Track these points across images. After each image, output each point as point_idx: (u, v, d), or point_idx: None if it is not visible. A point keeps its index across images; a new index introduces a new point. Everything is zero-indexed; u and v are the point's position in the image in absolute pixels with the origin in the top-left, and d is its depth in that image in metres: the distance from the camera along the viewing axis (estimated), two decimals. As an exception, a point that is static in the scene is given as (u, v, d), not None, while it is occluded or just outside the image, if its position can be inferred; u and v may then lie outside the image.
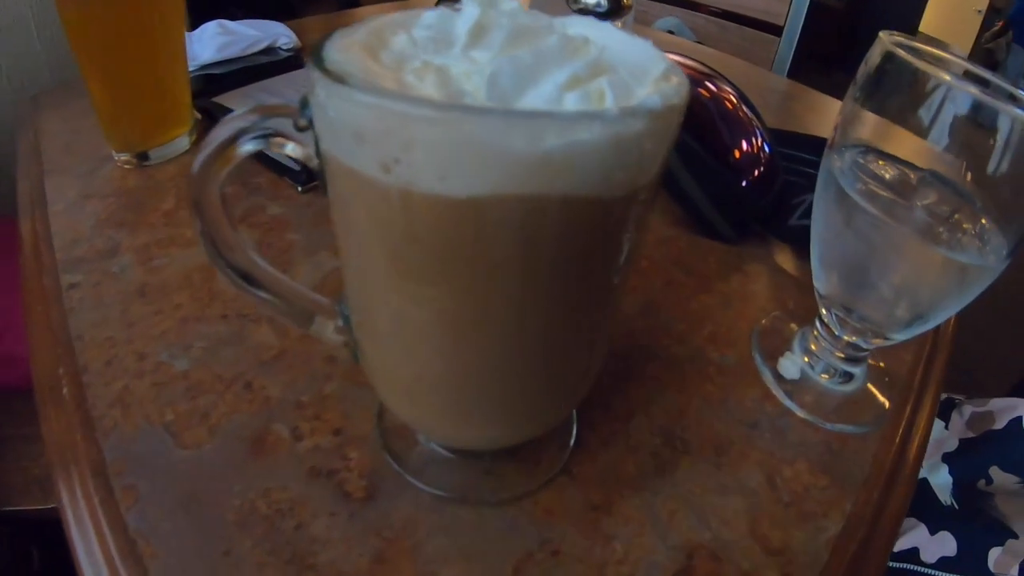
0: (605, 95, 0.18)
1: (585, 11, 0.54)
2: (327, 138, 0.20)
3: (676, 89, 0.19)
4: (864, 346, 0.37)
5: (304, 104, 0.21)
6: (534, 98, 0.18)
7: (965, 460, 0.73)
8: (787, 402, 0.37)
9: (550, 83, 0.18)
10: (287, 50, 0.69)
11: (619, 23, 0.55)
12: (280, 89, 0.60)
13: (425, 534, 0.29)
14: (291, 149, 0.22)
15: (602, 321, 0.25)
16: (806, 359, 0.39)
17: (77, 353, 0.37)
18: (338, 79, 0.18)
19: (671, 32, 1.17)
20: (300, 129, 0.21)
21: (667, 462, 0.33)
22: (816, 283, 0.37)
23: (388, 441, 0.32)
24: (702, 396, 0.37)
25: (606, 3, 0.53)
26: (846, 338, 0.37)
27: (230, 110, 0.57)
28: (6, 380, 0.71)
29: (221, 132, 0.22)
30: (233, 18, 0.70)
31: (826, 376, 0.39)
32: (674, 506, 0.31)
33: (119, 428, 0.33)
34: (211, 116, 0.58)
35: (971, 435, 0.76)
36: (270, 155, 0.52)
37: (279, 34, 0.69)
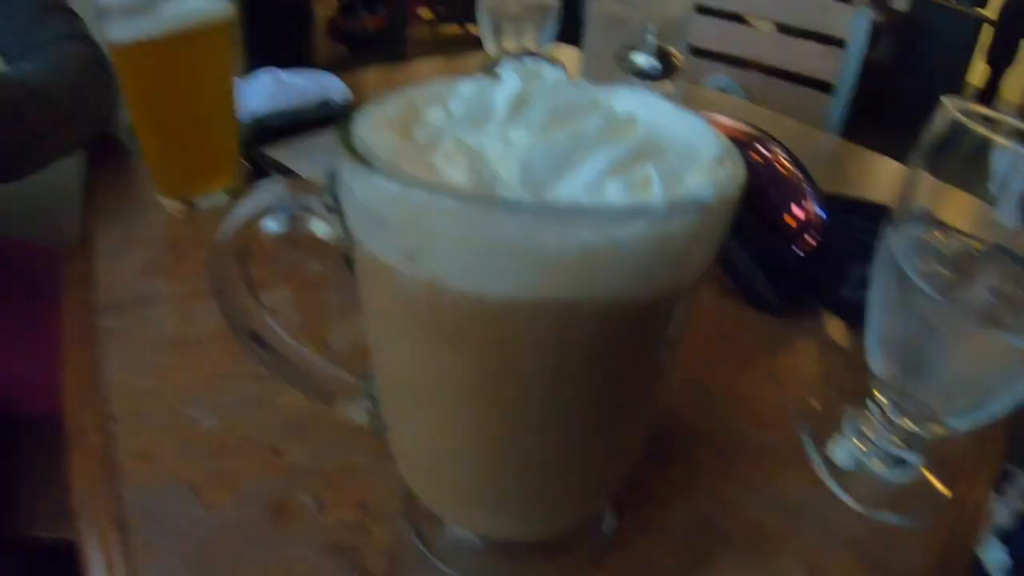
0: (651, 183, 0.17)
1: (638, 72, 0.53)
2: (353, 219, 0.19)
3: (731, 176, 0.17)
4: (922, 434, 0.35)
5: (331, 180, 0.20)
6: (571, 186, 0.17)
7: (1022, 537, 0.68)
8: (840, 493, 0.35)
9: (590, 169, 0.17)
10: (340, 104, 0.69)
11: (670, 84, 0.54)
12: (330, 144, 0.60)
13: (447, 623, 0.28)
14: (320, 228, 0.21)
15: (640, 414, 0.23)
16: (859, 444, 0.37)
17: (108, 400, 0.37)
18: (361, 160, 0.17)
19: (723, 91, 1.16)
20: (329, 208, 0.21)
21: (706, 555, 0.31)
22: (872, 365, 0.35)
23: (416, 521, 0.31)
24: (745, 481, 0.35)
25: (659, 65, 0.52)
26: (902, 424, 0.35)
27: (278, 162, 0.57)
28: (34, 408, 0.72)
29: (245, 208, 0.21)
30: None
31: (880, 463, 0.36)
32: (713, 605, 0.29)
33: (143, 481, 0.33)
34: (258, 167, 0.59)
35: (1028, 509, 0.71)
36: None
37: (332, 87, 0.70)
